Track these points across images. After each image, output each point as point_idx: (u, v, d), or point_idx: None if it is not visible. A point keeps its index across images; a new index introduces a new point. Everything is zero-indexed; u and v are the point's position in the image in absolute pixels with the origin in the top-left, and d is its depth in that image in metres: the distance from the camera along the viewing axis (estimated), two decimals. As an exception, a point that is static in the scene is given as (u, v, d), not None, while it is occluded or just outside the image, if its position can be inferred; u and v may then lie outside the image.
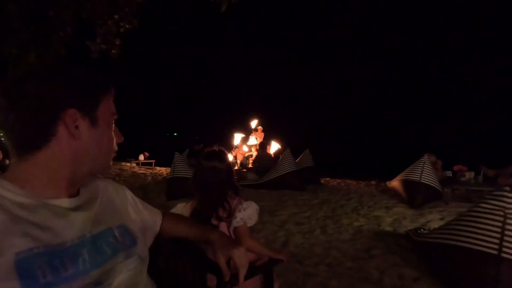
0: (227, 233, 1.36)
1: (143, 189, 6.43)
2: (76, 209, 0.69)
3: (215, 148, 1.45)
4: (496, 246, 2.21)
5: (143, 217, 1.00)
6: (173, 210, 1.47)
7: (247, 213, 1.38)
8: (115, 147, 0.80)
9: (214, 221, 1.37)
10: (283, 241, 3.60)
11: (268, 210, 4.96)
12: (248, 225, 1.39)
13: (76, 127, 0.68)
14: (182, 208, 1.47)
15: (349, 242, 3.54)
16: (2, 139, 0.72)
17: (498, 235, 2.23)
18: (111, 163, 0.81)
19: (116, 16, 8.90)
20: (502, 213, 2.27)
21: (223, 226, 1.37)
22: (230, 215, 1.38)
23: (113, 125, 0.78)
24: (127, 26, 9.00)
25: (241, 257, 0.91)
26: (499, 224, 2.25)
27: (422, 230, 3.45)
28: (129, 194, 0.97)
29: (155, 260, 1.13)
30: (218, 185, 1.39)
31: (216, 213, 1.37)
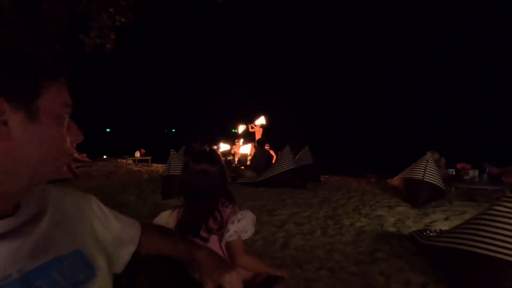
0: (218, 248, 1.18)
1: (138, 187, 6.24)
2: (2, 236, 0.51)
3: (206, 148, 1.25)
4: (513, 253, 2.05)
5: (115, 232, 0.82)
6: (157, 219, 1.29)
7: (241, 224, 1.18)
8: (70, 148, 0.61)
9: (203, 234, 1.19)
10: (282, 243, 3.43)
11: (266, 209, 4.80)
12: (243, 238, 1.20)
13: (4, 122, 0.49)
14: (166, 217, 1.28)
15: (352, 244, 3.38)
16: None
17: (515, 241, 2.07)
18: (65, 168, 0.63)
19: (111, 10, 8.66)
20: (519, 217, 2.10)
21: (213, 240, 1.19)
22: (222, 227, 1.19)
23: (67, 120, 0.60)
24: (123, 20, 8.76)
25: (233, 285, 0.73)
26: (516, 228, 2.09)
27: (428, 232, 3.30)
28: (96, 204, 0.79)
29: (133, 282, 0.96)
30: (208, 192, 1.19)
31: (206, 224, 1.18)
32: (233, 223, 1.18)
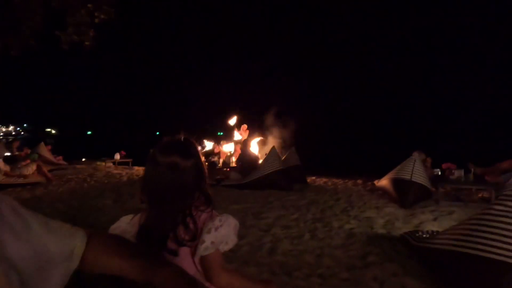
0: (190, 263, 0.94)
1: (116, 191, 5.88)
2: None
3: (180, 137, 1.01)
4: (514, 255, 1.93)
5: (40, 247, 0.59)
6: (114, 227, 1.04)
7: (220, 233, 0.94)
8: None
9: (171, 245, 0.94)
10: (269, 248, 3.23)
11: (252, 212, 4.59)
12: (222, 251, 0.96)
13: None
14: (126, 223, 1.03)
15: (342, 247, 3.21)
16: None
17: (516, 242, 1.95)
18: None
19: (89, 5, 8.25)
20: (520, 216, 1.99)
21: (184, 253, 0.94)
22: (195, 237, 0.94)
23: None
24: (103, 16, 8.36)
25: None
26: (517, 228, 1.97)
27: (420, 233, 3.17)
28: (9, 208, 0.56)
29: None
30: (179, 192, 0.94)
31: (175, 233, 0.93)
32: (209, 232, 0.94)
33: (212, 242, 0.92)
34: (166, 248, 0.92)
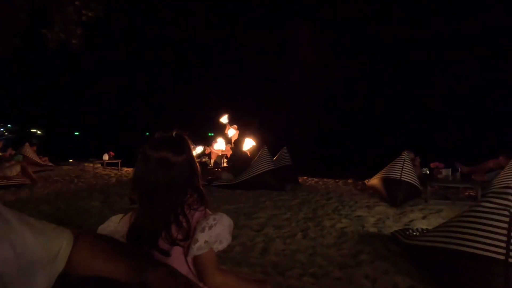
0: (183, 263, 0.91)
1: (104, 192, 5.76)
2: None
3: (173, 133, 0.98)
4: (502, 251, 1.96)
5: (23, 249, 0.56)
6: (103, 226, 1.00)
7: (214, 232, 0.91)
8: None
9: (163, 245, 0.91)
10: (261, 248, 3.21)
11: (244, 212, 4.56)
12: (216, 250, 0.94)
13: None
14: (116, 223, 1.00)
15: (334, 246, 3.23)
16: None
17: (504, 238, 1.99)
18: None
19: (77, 3, 8.08)
20: (507, 213, 2.03)
21: (177, 253, 0.91)
22: (189, 235, 0.91)
23: None
24: (90, 14, 8.20)
25: None
26: (505, 225, 2.01)
27: (411, 231, 3.21)
28: None
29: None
30: (170, 189, 0.91)
31: (167, 232, 0.90)
32: (203, 230, 0.91)
33: (206, 241, 0.90)
34: (158, 248, 0.89)
